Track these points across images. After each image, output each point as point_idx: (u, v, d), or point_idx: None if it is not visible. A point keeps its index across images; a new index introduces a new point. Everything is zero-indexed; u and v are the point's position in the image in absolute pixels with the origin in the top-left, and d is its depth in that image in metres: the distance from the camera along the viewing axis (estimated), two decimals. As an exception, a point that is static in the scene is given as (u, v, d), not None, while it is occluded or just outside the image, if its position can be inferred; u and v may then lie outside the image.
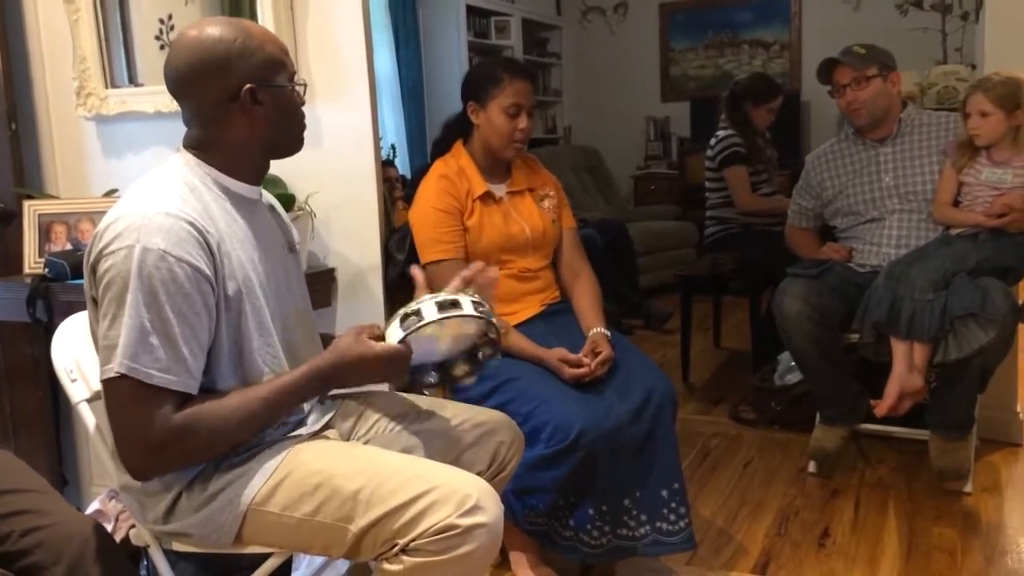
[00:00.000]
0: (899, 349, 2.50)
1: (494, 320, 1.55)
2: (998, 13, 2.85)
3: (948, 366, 2.45)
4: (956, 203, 2.66)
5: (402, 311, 1.48)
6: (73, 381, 1.58)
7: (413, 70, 5.64)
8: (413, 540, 1.31)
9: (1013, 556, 2.27)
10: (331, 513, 1.37)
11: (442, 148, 2.33)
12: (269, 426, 1.46)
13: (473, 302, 1.51)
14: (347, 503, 1.36)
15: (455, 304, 1.48)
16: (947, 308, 2.39)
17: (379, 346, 1.45)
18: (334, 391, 1.71)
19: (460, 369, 1.63)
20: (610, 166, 6.56)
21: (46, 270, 2.38)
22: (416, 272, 1.66)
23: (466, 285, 1.62)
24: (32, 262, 2.51)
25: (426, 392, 1.64)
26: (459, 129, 2.32)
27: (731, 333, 4.50)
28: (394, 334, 1.46)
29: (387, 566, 1.35)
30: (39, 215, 2.53)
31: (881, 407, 2.54)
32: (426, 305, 1.47)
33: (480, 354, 1.62)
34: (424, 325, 1.46)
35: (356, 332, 1.48)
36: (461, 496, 1.33)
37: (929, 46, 5.82)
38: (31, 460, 1.64)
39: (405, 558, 1.32)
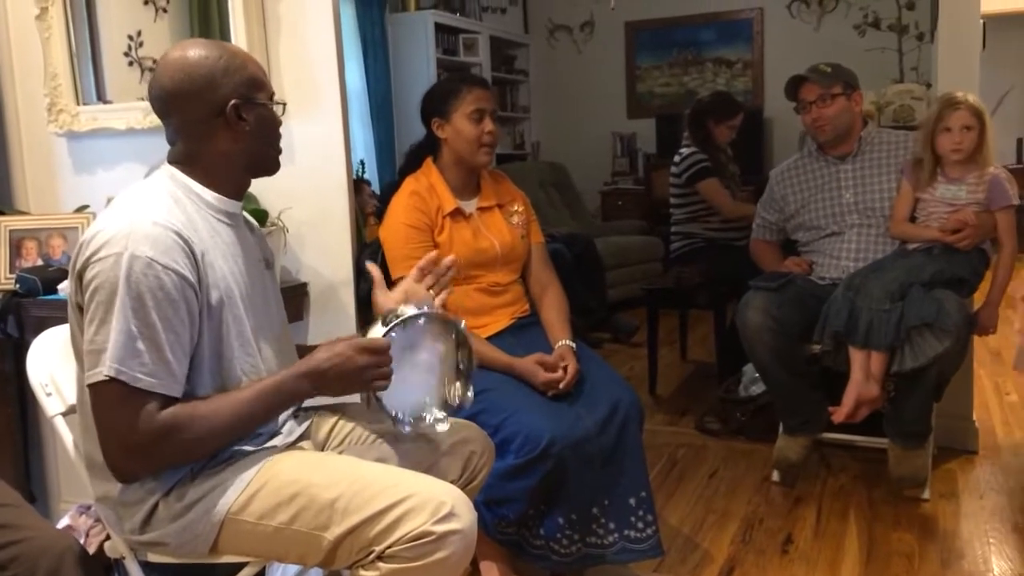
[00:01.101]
0: (857, 358, 2.57)
1: (435, 310, 1.65)
2: (950, 34, 2.95)
3: (905, 376, 2.52)
4: (913, 219, 2.75)
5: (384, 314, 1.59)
6: (48, 395, 1.60)
7: (382, 86, 5.68)
8: (389, 547, 1.34)
9: (969, 560, 2.34)
10: (307, 522, 1.40)
11: (408, 175, 2.36)
12: (253, 428, 1.48)
13: (415, 307, 1.61)
14: (323, 512, 1.39)
15: (397, 315, 1.57)
16: (903, 318, 2.47)
17: (358, 339, 1.50)
18: (314, 400, 1.74)
19: (456, 392, 1.68)
20: (577, 182, 6.64)
21: (17, 286, 2.38)
22: (371, 266, 1.78)
23: (423, 276, 1.74)
24: (3, 278, 2.50)
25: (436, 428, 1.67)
26: (423, 155, 2.36)
27: (697, 346, 4.58)
28: (375, 330, 1.54)
29: (363, 573, 1.37)
30: (10, 231, 2.53)
31: (838, 414, 2.61)
32: (406, 308, 1.58)
33: (460, 365, 1.67)
34: (403, 319, 1.55)
35: (338, 338, 1.52)
36: (436, 503, 1.36)
37: (886, 65, 5.97)
38: (-2, 476, 1.65)
39: (381, 565, 1.35)
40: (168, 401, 1.37)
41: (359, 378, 1.48)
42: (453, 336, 1.67)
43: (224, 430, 1.42)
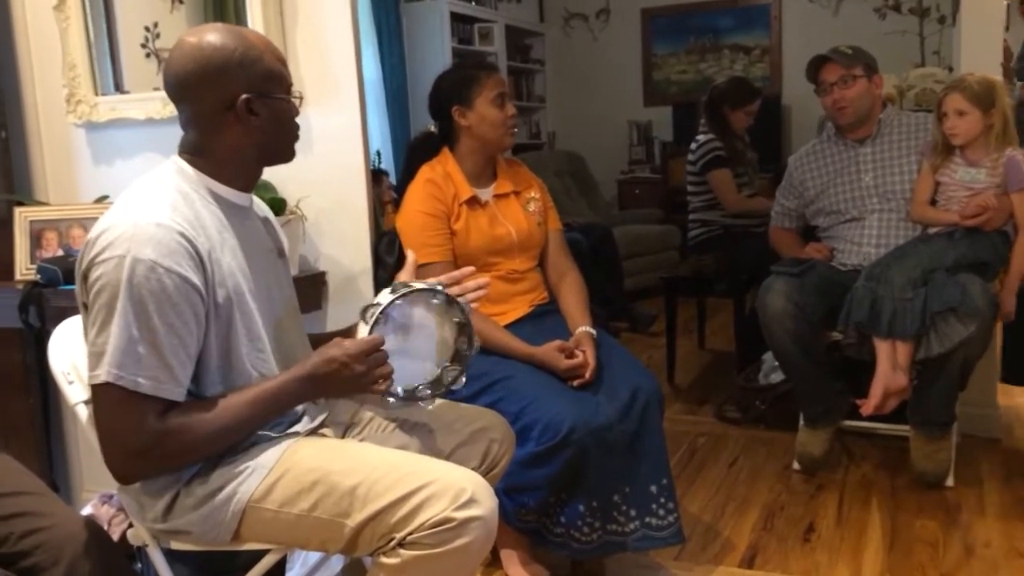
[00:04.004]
0: (882, 349, 2.54)
1: (450, 294, 1.60)
2: (973, 17, 2.92)
3: (930, 362, 2.49)
4: (933, 202, 2.71)
5: (361, 308, 1.54)
6: (70, 383, 1.60)
7: (397, 76, 5.67)
8: (410, 534, 1.34)
9: (994, 548, 2.31)
10: (328, 509, 1.40)
11: (410, 174, 2.34)
12: (253, 430, 1.47)
13: (426, 284, 1.57)
14: (344, 499, 1.39)
15: (405, 285, 1.55)
16: (927, 304, 2.44)
17: (350, 341, 1.48)
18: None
19: (448, 374, 1.65)
20: (594, 171, 6.60)
21: (38, 276, 2.39)
22: (409, 252, 1.74)
23: (450, 284, 1.66)
24: (23, 268, 2.51)
25: (423, 406, 1.66)
26: (437, 146, 2.35)
27: (715, 334, 4.55)
28: (362, 330, 1.51)
29: (384, 560, 1.37)
30: (30, 221, 2.54)
31: (867, 406, 2.58)
32: (381, 295, 1.55)
33: (461, 349, 1.65)
34: (382, 309, 1.51)
35: (335, 340, 1.50)
36: (456, 490, 1.36)
37: (907, 49, 5.89)
38: (21, 467, 1.66)
39: (402, 552, 1.35)
40: (169, 404, 1.37)
41: (358, 384, 1.47)
42: (455, 319, 1.63)
43: (223, 435, 1.42)
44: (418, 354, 1.62)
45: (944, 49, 5.74)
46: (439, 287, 1.60)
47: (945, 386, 2.56)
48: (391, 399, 1.58)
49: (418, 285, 1.58)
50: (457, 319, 1.63)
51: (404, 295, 1.55)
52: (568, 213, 5.35)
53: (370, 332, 1.50)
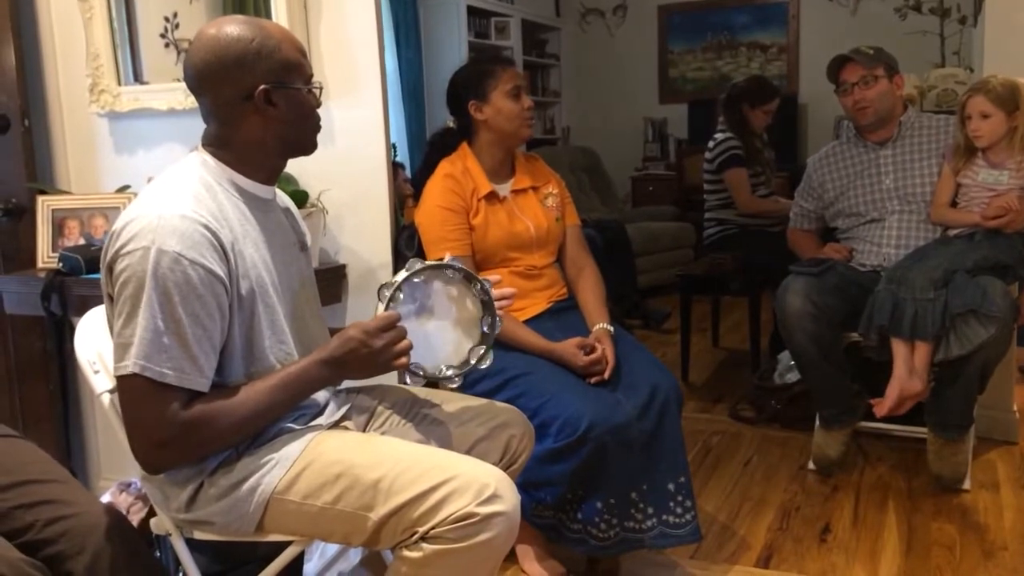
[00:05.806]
0: (900, 352, 2.53)
1: (458, 263, 1.62)
2: (996, 17, 2.90)
3: (948, 365, 2.48)
4: (954, 204, 2.70)
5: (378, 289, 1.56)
6: (96, 372, 1.61)
7: (414, 70, 5.68)
8: (433, 528, 1.35)
9: (1011, 551, 2.30)
10: (352, 502, 1.40)
11: (429, 169, 2.34)
12: (278, 417, 1.49)
13: (441, 261, 1.59)
14: (367, 492, 1.39)
15: (421, 262, 1.58)
16: (948, 306, 2.43)
17: (367, 320, 1.49)
18: (346, 383, 1.74)
19: (474, 354, 1.66)
20: (608, 167, 6.60)
21: (60, 264, 2.40)
22: (447, 255, 1.73)
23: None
24: (45, 257, 2.53)
25: (449, 388, 1.67)
26: (455, 141, 2.35)
27: (729, 333, 4.55)
28: (379, 309, 1.53)
29: (406, 553, 1.38)
30: (52, 210, 2.55)
31: (881, 408, 2.57)
32: (397, 275, 1.57)
33: (484, 327, 1.66)
34: (397, 286, 1.53)
35: (353, 323, 1.51)
36: (480, 485, 1.36)
37: (927, 49, 5.85)
38: (38, 454, 1.66)
39: (424, 545, 1.36)
40: (193, 394, 1.38)
41: (379, 360, 1.48)
42: (476, 295, 1.65)
43: (247, 423, 1.43)
44: (439, 329, 1.64)
45: (964, 49, 5.70)
46: (454, 263, 1.62)
47: (963, 389, 2.55)
48: (415, 377, 1.59)
49: (433, 262, 1.60)
50: (478, 295, 1.65)
51: (418, 272, 1.57)
52: (582, 209, 5.30)
53: (386, 310, 1.51)
